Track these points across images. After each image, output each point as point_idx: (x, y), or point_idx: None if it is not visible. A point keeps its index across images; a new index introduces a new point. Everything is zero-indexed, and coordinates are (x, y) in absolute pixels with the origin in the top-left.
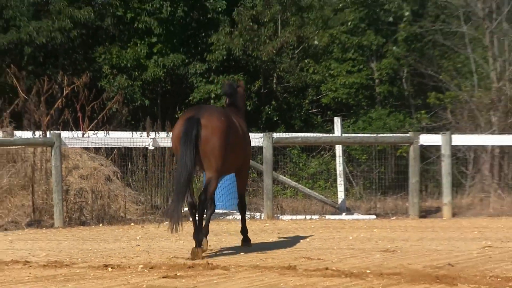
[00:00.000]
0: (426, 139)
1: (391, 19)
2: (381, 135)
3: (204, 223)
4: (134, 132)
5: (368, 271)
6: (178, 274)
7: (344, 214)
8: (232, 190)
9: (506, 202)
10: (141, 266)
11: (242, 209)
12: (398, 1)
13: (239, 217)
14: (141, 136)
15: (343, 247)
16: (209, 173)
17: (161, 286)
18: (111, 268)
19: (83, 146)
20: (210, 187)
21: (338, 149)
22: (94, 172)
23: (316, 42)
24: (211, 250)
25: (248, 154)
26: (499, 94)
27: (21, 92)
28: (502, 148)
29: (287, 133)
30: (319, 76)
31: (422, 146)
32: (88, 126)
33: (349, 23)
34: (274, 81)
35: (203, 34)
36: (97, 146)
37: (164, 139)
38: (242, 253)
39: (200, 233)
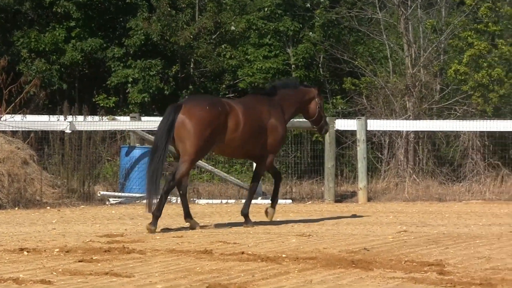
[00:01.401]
0: (342, 124)
1: (308, 5)
2: (297, 119)
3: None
4: (51, 116)
5: (284, 256)
6: (94, 258)
7: (260, 198)
8: None
9: (421, 187)
10: (57, 250)
11: (249, 190)
12: None
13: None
14: (58, 119)
15: (259, 231)
16: (182, 157)
17: (77, 270)
18: (27, 251)
19: (0, 129)
20: (179, 170)
21: None
22: (11, 155)
23: (233, 27)
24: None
25: (269, 144)
26: (414, 80)
27: None
28: (416, 133)
29: None
30: (236, 61)
31: (337, 131)
32: (6, 110)
33: (266, 9)
34: (192, 66)
35: (121, 19)
36: (14, 129)
37: (81, 122)
38: (158, 237)
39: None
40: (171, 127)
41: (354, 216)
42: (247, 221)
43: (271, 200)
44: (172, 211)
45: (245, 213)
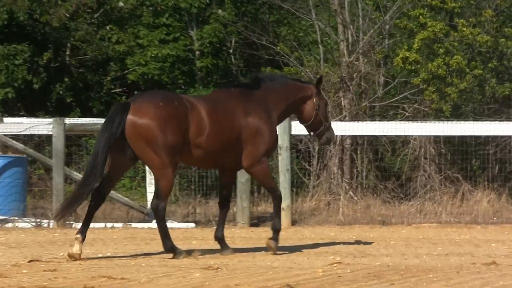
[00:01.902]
0: None
1: None
2: None
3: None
4: None
5: None
6: None
7: (155, 221)
8: (14, 190)
9: (359, 207)
10: None
11: (275, 201)
12: None
13: (22, 224)
14: None
15: (154, 263)
16: (153, 173)
17: None
18: None
19: None
20: (161, 191)
21: None
22: None
23: (121, 3)
24: None
25: (252, 150)
26: (351, 71)
27: None
28: (354, 138)
29: (83, 119)
30: (125, 47)
31: None
32: None
33: None
34: (68, 53)
35: None
36: None
37: None
38: (25, 271)
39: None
40: (115, 132)
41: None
42: (274, 238)
43: (271, 228)
44: (43, 237)
45: (278, 228)
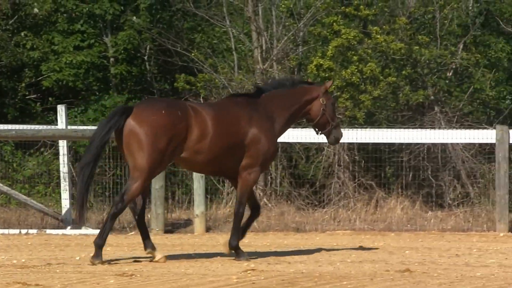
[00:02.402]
0: None
1: None
2: None
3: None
4: None
5: None
6: None
7: (69, 228)
8: None
9: (273, 213)
10: None
11: (234, 216)
12: None
13: None
14: None
15: (69, 270)
16: (132, 173)
17: None
18: None
19: None
20: (128, 190)
21: (63, 145)
22: None
23: (36, 10)
24: None
25: (249, 158)
26: (265, 77)
27: None
28: None
29: None
30: (39, 53)
31: None
32: None
33: None
34: None
35: None
36: None
37: None
38: None
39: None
40: (109, 132)
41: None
42: (239, 254)
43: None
44: None
45: (234, 245)
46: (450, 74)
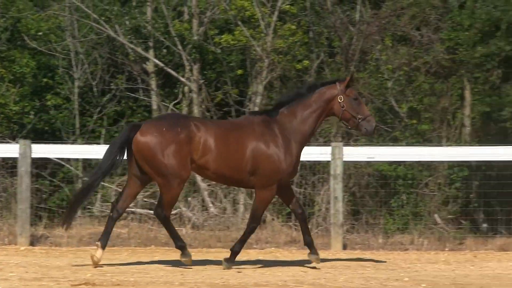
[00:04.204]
0: None
1: None
2: None
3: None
4: None
5: None
6: None
7: None
8: None
9: None
10: None
11: (247, 227)
12: None
13: None
14: None
15: None
16: (157, 184)
17: None
18: None
19: None
20: (163, 199)
21: None
22: None
23: None
24: None
25: (259, 175)
26: None
27: None
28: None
29: None
30: None
31: None
32: None
33: None
34: None
35: None
36: None
37: None
38: None
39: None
40: (122, 147)
41: None
42: (230, 260)
43: (230, 249)
44: None
45: (235, 250)
46: None
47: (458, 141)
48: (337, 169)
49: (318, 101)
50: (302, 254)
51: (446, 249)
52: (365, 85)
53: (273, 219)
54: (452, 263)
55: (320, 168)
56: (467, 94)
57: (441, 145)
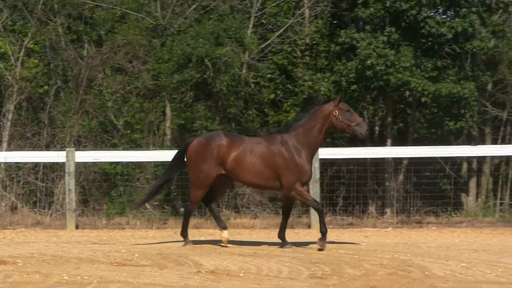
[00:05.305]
0: None
1: None
2: None
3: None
4: None
5: None
6: None
7: None
8: None
9: None
10: None
11: (316, 212)
12: None
13: None
14: None
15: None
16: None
17: None
18: None
19: None
20: (190, 196)
21: None
22: None
23: None
24: None
25: (282, 180)
26: None
27: None
28: None
29: None
30: None
31: None
32: None
33: None
34: None
35: None
36: None
37: None
38: None
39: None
40: (179, 156)
41: None
42: (323, 239)
43: (320, 231)
44: None
45: (323, 231)
46: None
47: (162, 146)
48: (70, 168)
49: (319, 118)
50: (45, 233)
51: (154, 228)
52: (91, 104)
53: (22, 207)
54: (159, 238)
55: (58, 167)
56: (168, 110)
57: (148, 150)
